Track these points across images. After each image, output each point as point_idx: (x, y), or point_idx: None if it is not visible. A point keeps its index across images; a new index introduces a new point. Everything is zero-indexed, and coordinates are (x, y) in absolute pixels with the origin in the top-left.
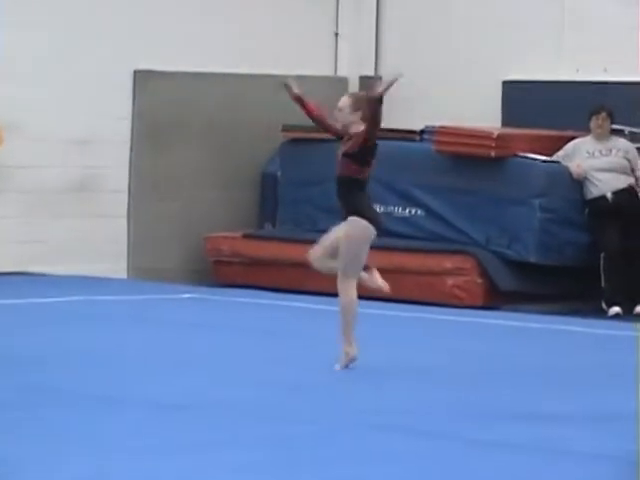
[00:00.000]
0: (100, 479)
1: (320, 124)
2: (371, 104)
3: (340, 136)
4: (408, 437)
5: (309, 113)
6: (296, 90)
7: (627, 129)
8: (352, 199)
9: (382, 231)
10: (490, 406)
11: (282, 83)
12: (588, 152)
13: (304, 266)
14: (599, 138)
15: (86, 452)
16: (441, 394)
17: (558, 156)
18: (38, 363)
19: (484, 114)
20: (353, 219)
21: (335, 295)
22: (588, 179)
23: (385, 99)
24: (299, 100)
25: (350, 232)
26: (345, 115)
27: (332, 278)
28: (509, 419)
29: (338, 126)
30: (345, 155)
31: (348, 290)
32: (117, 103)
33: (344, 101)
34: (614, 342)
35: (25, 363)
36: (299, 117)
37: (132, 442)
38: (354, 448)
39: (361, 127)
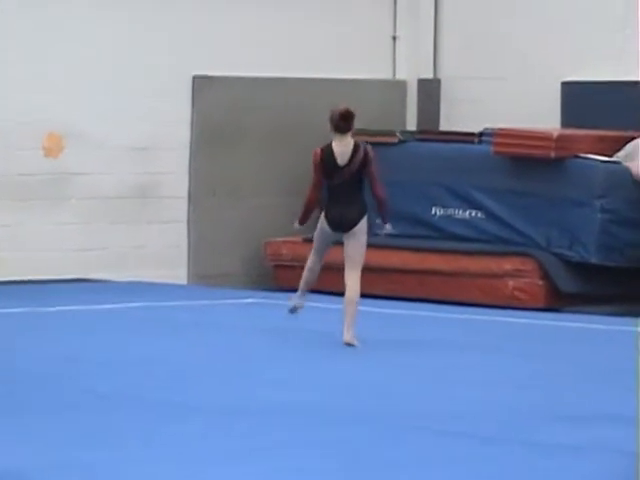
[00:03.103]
0: None
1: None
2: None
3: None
4: (471, 441)
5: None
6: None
7: None
8: None
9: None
10: (553, 408)
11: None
12: None
13: (364, 270)
14: None
15: (154, 459)
16: (503, 396)
17: (618, 156)
18: (100, 369)
19: (543, 115)
20: None
21: (396, 298)
22: None
23: (444, 101)
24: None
25: None
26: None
27: (392, 282)
28: (572, 421)
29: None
30: None
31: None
32: (176, 109)
33: None
34: None
35: (88, 369)
36: (360, 121)
37: (198, 448)
38: (416, 451)
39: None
